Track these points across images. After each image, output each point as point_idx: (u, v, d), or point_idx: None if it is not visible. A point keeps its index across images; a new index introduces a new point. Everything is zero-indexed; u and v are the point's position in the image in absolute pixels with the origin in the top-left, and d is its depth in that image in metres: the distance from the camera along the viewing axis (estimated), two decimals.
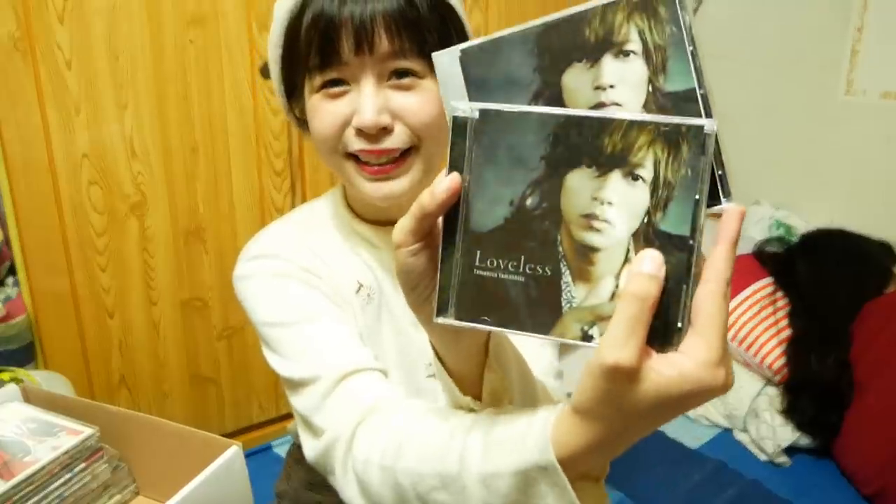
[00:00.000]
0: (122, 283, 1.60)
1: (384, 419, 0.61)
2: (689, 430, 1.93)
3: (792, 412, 1.81)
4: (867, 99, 2.17)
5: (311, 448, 0.67)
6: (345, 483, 0.61)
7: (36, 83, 1.41)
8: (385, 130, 0.68)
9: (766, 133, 2.45)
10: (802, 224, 2.28)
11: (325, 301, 0.75)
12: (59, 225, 1.50)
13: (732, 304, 1.95)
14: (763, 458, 1.82)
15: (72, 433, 0.78)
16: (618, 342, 0.39)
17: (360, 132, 0.68)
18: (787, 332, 1.89)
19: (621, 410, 0.41)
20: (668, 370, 0.39)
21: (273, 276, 0.76)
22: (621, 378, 0.39)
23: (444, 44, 0.70)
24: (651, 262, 0.40)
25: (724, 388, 0.40)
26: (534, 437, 0.46)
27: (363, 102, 0.67)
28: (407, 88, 0.69)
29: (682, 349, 0.40)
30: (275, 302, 0.74)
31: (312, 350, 0.70)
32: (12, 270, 1.51)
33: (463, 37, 0.74)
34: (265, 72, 0.76)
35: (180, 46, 1.54)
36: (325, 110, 0.70)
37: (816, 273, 1.92)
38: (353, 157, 0.71)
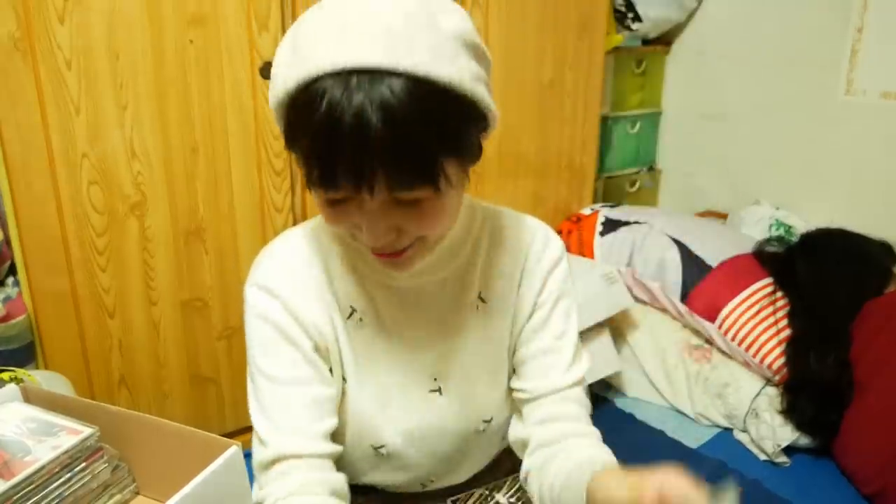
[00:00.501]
0: (122, 283, 1.60)
1: None
2: (689, 430, 1.93)
3: (792, 412, 1.81)
4: (867, 99, 2.17)
5: (253, 495, 0.77)
6: None
7: (36, 83, 1.40)
8: (392, 241, 0.68)
9: (766, 133, 2.45)
10: (802, 224, 2.28)
11: (307, 367, 0.78)
12: (59, 225, 1.50)
13: (733, 303, 1.96)
14: (763, 457, 1.82)
15: (72, 433, 0.78)
16: None
17: None
18: (786, 332, 1.89)
19: None
20: None
21: (269, 323, 0.78)
22: None
23: (456, 155, 0.64)
24: None
25: None
26: None
27: (368, 227, 0.65)
28: (416, 206, 0.65)
29: None
30: (266, 352, 0.79)
31: (274, 416, 0.77)
32: (12, 270, 1.51)
33: (476, 114, 0.66)
34: (265, 72, 0.75)
35: (180, 46, 1.54)
36: (331, 214, 0.68)
37: (816, 273, 1.92)
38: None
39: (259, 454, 0.77)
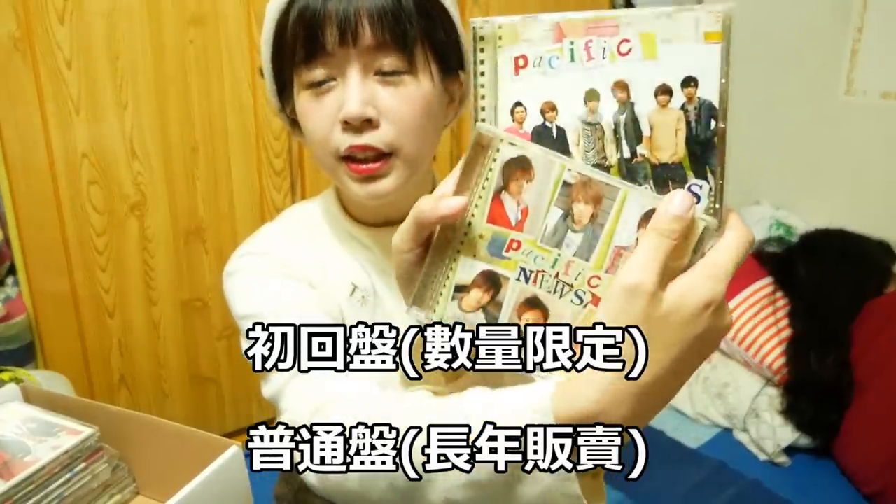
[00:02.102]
0: (122, 283, 1.60)
1: (345, 405, 0.59)
2: (689, 430, 1.93)
3: (792, 412, 1.81)
4: (867, 99, 2.17)
5: (288, 417, 0.67)
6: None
7: (36, 83, 1.41)
8: (370, 123, 0.69)
9: (766, 133, 2.45)
10: (802, 224, 2.28)
11: (303, 290, 0.75)
12: (59, 225, 1.50)
13: (732, 304, 1.96)
14: (763, 458, 1.82)
15: (72, 433, 0.78)
16: (639, 266, 0.41)
17: (347, 125, 0.69)
18: (787, 332, 1.89)
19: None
20: (676, 284, 0.41)
21: (258, 273, 0.77)
22: (641, 295, 0.40)
23: (431, 40, 0.70)
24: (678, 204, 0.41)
25: (725, 323, 0.42)
26: (534, 397, 0.44)
27: (349, 94, 0.68)
28: (393, 84, 0.69)
29: (691, 269, 0.42)
30: (254, 295, 0.75)
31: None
32: (12, 270, 1.51)
33: (452, 33, 0.74)
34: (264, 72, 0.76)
35: (180, 46, 1.54)
36: (313, 110, 0.71)
37: (816, 273, 1.92)
38: (344, 159, 0.71)
39: (271, 383, 0.67)
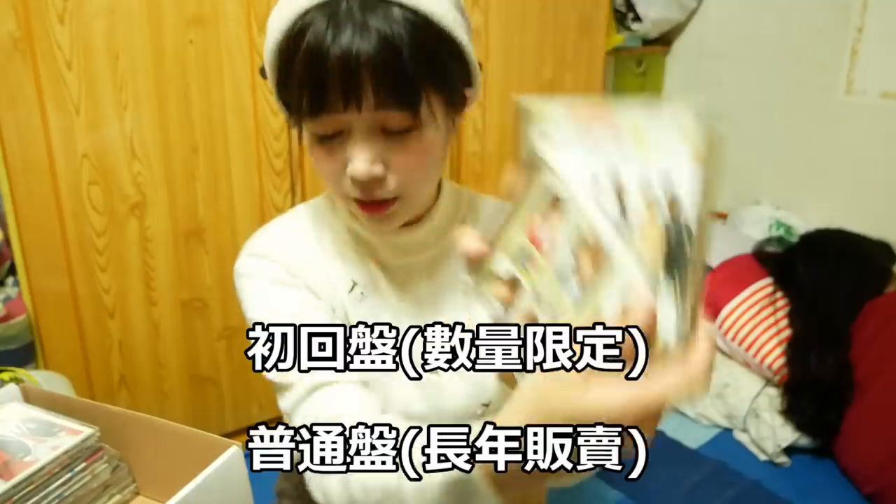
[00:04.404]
0: (122, 283, 1.60)
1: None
2: (689, 430, 1.93)
3: (792, 412, 1.81)
4: (867, 99, 2.17)
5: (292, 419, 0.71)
6: (313, 486, 0.66)
7: (36, 83, 1.40)
8: (378, 181, 0.69)
9: (766, 133, 2.45)
10: (802, 224, 2.28)
11: (305, 297, 0.77)
12: (59, 225, 1.50)
13: (733, 304, 1.96)
14: (763, 458, 1.82)
15: (72, 433, 0.78)
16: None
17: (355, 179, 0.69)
18: (787, 332, 1.89)
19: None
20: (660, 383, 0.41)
21: (267, 281, 0.78)
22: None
23: (435, 84, 0.68)
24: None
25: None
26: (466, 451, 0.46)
27: (355, 155, 0.68)
28: (399, 141, 0.69)
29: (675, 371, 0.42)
30: (265, 306, 0.77)
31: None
32: (12, 270, 1.51)
33: (456, 57, 0.71)
34: (265, 72, 0.76)
35: (180, 46, 1.54)
36: (323, 159, 0.71)
37: (816, 273, 1.92)
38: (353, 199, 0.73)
39: (285, 399, 0.71)
